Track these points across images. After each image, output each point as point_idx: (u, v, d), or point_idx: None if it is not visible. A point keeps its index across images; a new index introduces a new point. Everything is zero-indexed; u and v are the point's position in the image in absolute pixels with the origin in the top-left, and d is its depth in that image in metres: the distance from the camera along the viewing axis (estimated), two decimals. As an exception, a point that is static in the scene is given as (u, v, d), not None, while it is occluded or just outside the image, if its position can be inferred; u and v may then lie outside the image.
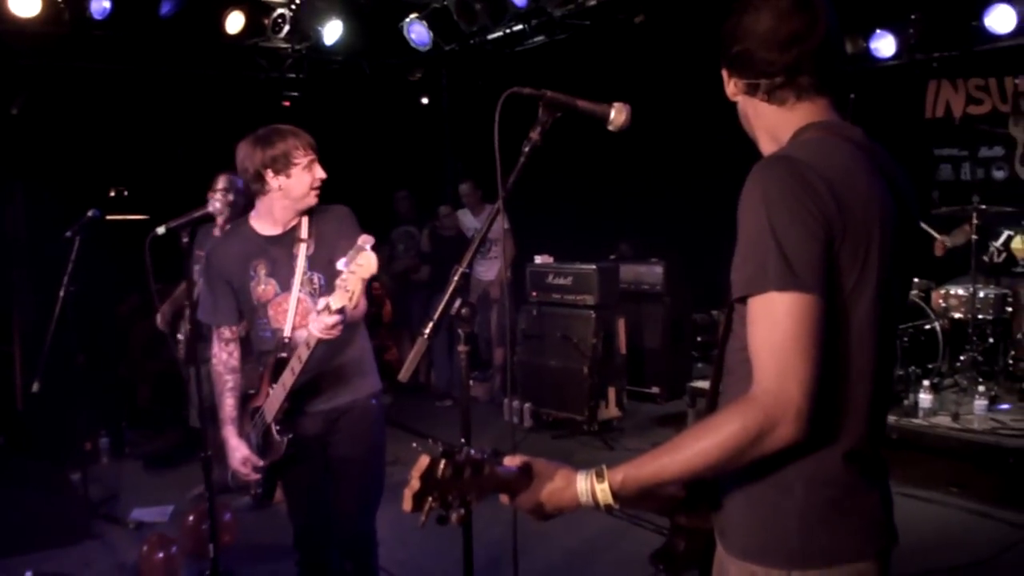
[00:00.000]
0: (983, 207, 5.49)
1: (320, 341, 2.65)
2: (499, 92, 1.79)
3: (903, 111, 6.85)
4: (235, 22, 6.82)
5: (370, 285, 2.57)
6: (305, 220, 2.96)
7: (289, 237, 2.96)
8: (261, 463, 2.95)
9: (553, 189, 7.25)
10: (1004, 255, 5.80)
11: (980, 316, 5.59)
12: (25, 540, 4.45)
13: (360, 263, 2.46)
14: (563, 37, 7.16)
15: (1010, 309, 5.72)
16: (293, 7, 6.91)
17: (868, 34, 6.51)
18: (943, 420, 5.08)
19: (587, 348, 6.34)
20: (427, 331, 1.76)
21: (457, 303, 1.78)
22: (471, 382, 2.12)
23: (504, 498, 1.53)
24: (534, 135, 1.85)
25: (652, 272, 7.25)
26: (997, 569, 4.01)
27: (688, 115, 6.80)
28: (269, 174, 2.85)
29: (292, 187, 2.87)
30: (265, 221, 2.97)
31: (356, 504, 3.06)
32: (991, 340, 5.64)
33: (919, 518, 4.48)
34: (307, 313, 2.90)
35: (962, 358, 5.62)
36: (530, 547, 4.14)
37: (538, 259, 6.94)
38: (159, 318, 4.99)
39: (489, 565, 3.67)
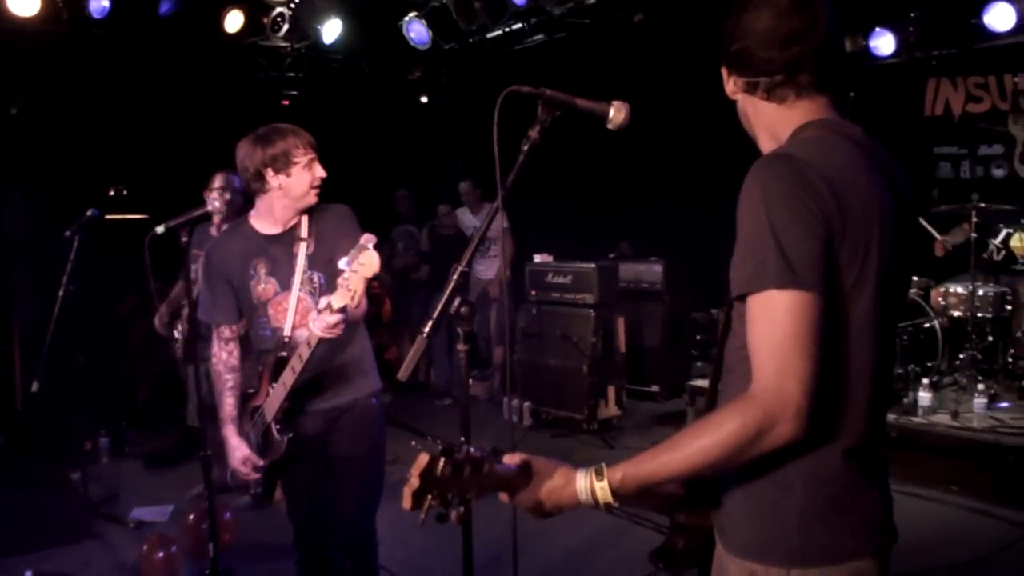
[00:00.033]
0: (982, 205, 5.49)
1: (321, 340, 2.65)
2: (498, 91, 1.78)
3: (902, 109, 6.85)
4: (234, 21, 6.82)
5: (369, 284, 2.56)
6: (305, 219, 2.96)
7: (289, 236, 2.96)
8: (261, 463, 2.95)
9: (552, 188, 7.26)
10: (1003, 253, 5.80)
11: (979, 314, 5.59)
12: (25, 539, 4.45)
13: (362, 262, 2.46)
14: (562, 36, 7.16)
15: (1009, 307, 5.72)
16: (292, 6, 6.91)
17: (867, 32, 6.50)
18: (942, 418, 5.08)
19: (586, 347, 6.34)
20: (426, 330, 1.76)
21: (456, 302, 1.78)
22: (470, 381, 2.12)
23: (503, 496, 1.53)
24: (533, 134, 1.85)
25: (651, 271, 7.26)
26: (997, 567, 4.02)
27: (688, 114, 6.80)
28: (269, 173, 2.85)
29: (292, 186, 2.87)
30: (265, 220, 2.97)
31: (356, 503, 3.06)
32: (990, 338, 5.64)
33: (919, 516, 4.49)
34: (307, 312, 2.90)
35: (961, 356, 5.61)
36: (530, 545, 4.14)
37: (537, 258, 6.94)
38: (157, 321, 4.98)
39: (489, 563, 3.67)
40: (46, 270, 5.15)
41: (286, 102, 8.36)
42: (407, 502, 1.40)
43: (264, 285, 2.95)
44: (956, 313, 5.74)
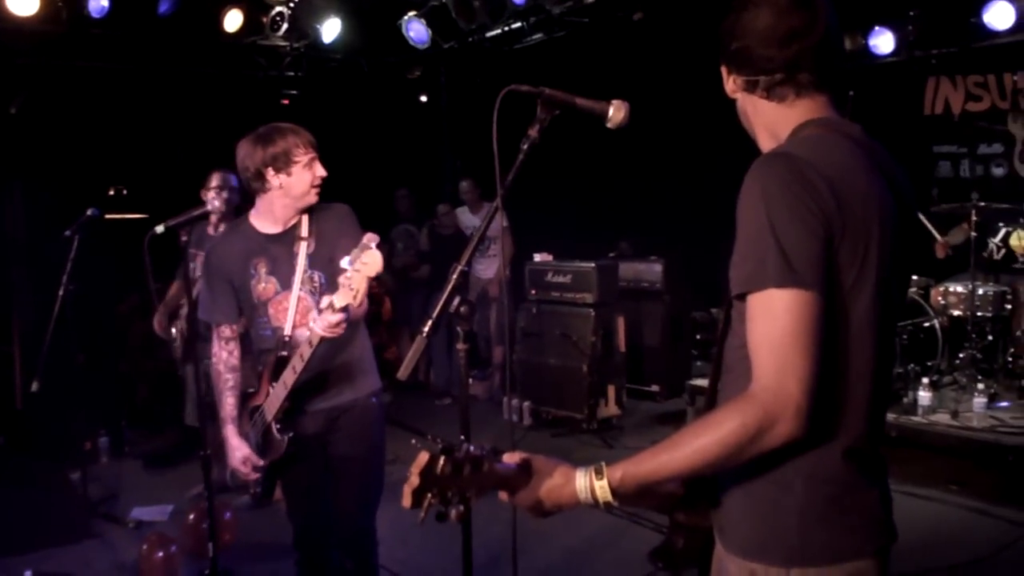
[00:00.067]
0: (982, 204, 5.49)
1: (323, 339, 2.65)
2: (498, 90, 1.78)
3: (902, 108, 6.85)
4: (233, 20, 6.81)
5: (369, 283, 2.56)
6: (305, 218, 2.96)
7: (289, 235, 2.96)
8: (261, 463, 2.95)
9: (552, 187, 7.24)
10: (1003, 251, 5.80)
11: (979, 313, 5.58)
12: (25, 539, 4.45)
13: (365, 261, 2.46)
14: (562, 35, 7.15)
15: (1009, 306, 5.71)
16: (291, 5, 6.90)
17: (867, 31, 6.50)
18: (942, 418, 5.08)
19: (586, 346, 6.34)
20: (426, 329, 1.76)
21: (456, 301, 1.78)
22: (470, 380, 2.12)
23: (503, 495, 1.53)
24: (533, 133, 1.85)
25: (651, 270, 7.25)
26: (996, 567, 4.02)
27: (687, 113, 6.80)
28: (270, 172, 2.85)
29: (293, 185, 2.87)
30: (265, 219, 2.97)
31: (356, 503, 3.06)
32: (990, 337, 5.64)
33: (918, 516, 4.49)
34: (307, 311, 2.90)
35: (961, 355, 5.61)
36: (529, 545, 4.14)
37: (537, 257, 6.94)
38: (156, 325, 4.98)
39: (488, 563, 3.67)
40: (46, 270, 5.15)
41: (285, 101, 8.35)
42: (407, 500, 1.40)
43: (264, 284, 2.95)
44: (956, 312, 5.73)
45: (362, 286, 2.49)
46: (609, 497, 1.45)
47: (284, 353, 2.88)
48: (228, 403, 3.02)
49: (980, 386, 5.21)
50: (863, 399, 1.47)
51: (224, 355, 3.06)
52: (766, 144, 1.61)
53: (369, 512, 3.09)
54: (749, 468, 1.46)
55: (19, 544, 4.41)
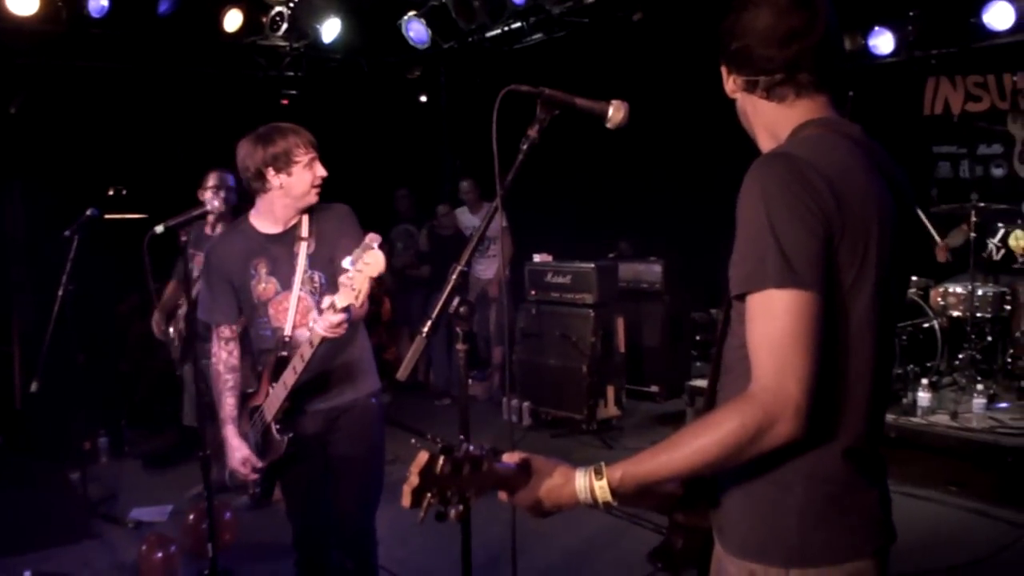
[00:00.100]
0: (981, 205, 5.49)
1: (324, 339, 2.65)
2: (497, 90, 1.78)
3: (901, 108, 6.85)
4: (233, 20, 6.81)
5: (367, 283, 2.56)
6: (306, 218, 2.96)
7: (290, 235, 2.96)
8: (260, 464, 2.95)
9: (552, 187, 7.25)
10: (1002, 252, 5.80)
11: (979, 314, 5.59)
12: (24, 539, 4.44)
13: (368, 261, 2.45)
14: (561, 35, 7.15)
15: (1009, 307, 5.71)
16: (291, 5, 6.90)
17: (867, 31, 6.51)
18: (942, 419, 5.08)
19: (586, 347, 6.34)
20: (425, 330, 1.76)
21: (455, 301, 1.78)
22: (470, 381, 2.12)
23: (502, 495, 1.53)
24: (532, 133, 1.84)
25: (651, 270, 7.26)
26: (995, 568, 4.02)
27: (687, 113, 6.80)
28: (270, 172, 2.85)
29: (293, 185, 2.87)
30: (266, 219, 2.97)
31: (356, 503, 3.06)
32: (990, 338, 5.64)
33: (917, 517, 4.48)
34: (307, 312, 2.90)
35: (961, 356, 5.61)
36: (529, 546, 4.14)
37: (537, 257, 6.94)
38: (155, 328, 4.98)
39: (488, 563, 3.67)
40: (45, 270, 5.15)
41: (285, 101, 8.35)
42: (406, 500, 1.40)
43: (265, 285, 2.95)
44: (955, 313, 5.74)
45: (364, 286, 2.49)
46: (608, 497, 1.45)
47: (284, 353, 2.88)
48: (228, 403, 3.02)
49: (979, 387, 5.21)
50: (862, 399, 1.47)
51: (224, 355, 3.06)
52: (766, 144, 1.61)
53: (369, 512, 3.09)
54: (748, 468, 1.46)
55: (18, 544, 4.41)
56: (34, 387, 4.76)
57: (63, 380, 4.92)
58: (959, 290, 5.73)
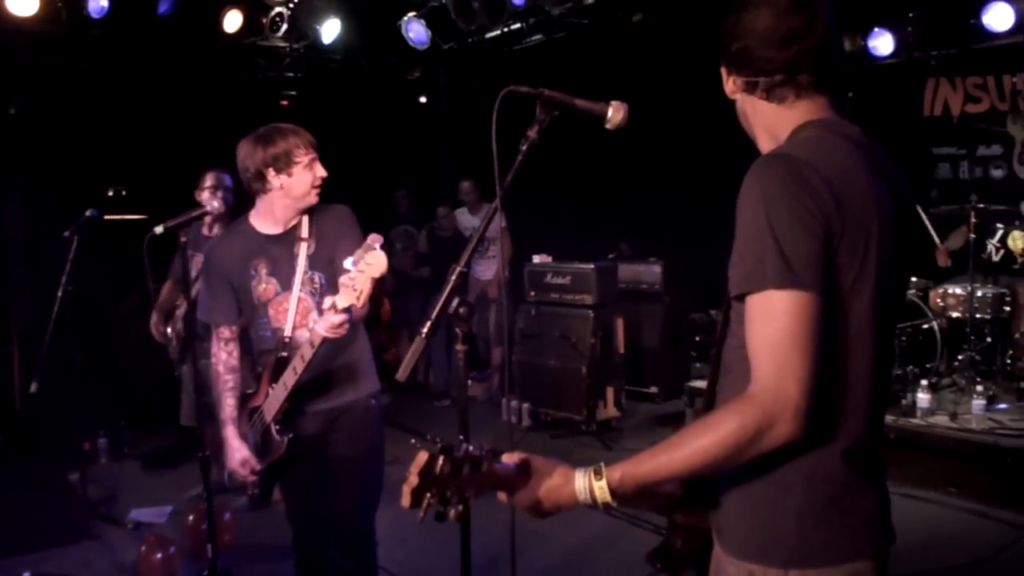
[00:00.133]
0: (981, 206, 5.49)
1: (325, 340, 2.65)
2: (497, 91, 1.78)
3: (901, 109, 6.84)
4: (233, 21, 6.81)
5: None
6: (306, 219, 2.96)
7: (290, 236, 2.96)
8: (259, 466, 2.95)
9: (551, 188, 7.25)
10: (1002, 252, 5.80)
11: (978, 315, 5.58)
12: (24, 540, 4.44)
13: (370, 262, 2.46)
14: (561, 36, 7.16)
15: (1008, 308, 5.71)
16: (291, 6, 6.90)
17: (866, 32, 6.50)
18: (941, 420, 5.08)
19: (585, 348, 6.34)
20: (425, 330, 1.76)
21: (455, 302, 1.78)
22: (469, 382, 2.12)
23: (502, 495, 1.53)
24: (532, 134, 1.85)
25: (650, 271, 7.26)
26: (995, 569, 4.02)
27: (687, 114, 6.80)
28: (271, 173, 2.85)
29: (293, 186, 2.87)
30: (266, 220, 2.97)
31: (356, 504, 3.06)
32: (989, 339, 5.64)
33: (917, 518, 4.49)
34: (307, 312, 2.90)
35: (960, 357, 5.61)
36: (528, 546, 4.14)
37: (536, 258, 6.94)
38: (153, 330, 4.97)
39: (487, 564, 3.66)
40: (45, 270, 5.14)
41: (285, 102, 8.35)
42: (406, 500, 1.40)
43: (265, 285, 2.95)
44: (955, 314, 5.73)
45: (366, 287, 2.49)
46: (608, 498, 1.45)
47: (284, 354, 2.88)
48: (228, 404, 3.02)
49: (979, 388, 5.21)
50: (862, 400, 1.47)
51: (223, 356, 3.06)
52: (765, 145, 1.61)
53: (368, 513, 3.09)
54: (748, 469, 1.46)
55: (18, 545, 4.40)
56: (34, 387, 4.76)
57: (63, 381, 4.91)
58: (958, 291, 5.73)
